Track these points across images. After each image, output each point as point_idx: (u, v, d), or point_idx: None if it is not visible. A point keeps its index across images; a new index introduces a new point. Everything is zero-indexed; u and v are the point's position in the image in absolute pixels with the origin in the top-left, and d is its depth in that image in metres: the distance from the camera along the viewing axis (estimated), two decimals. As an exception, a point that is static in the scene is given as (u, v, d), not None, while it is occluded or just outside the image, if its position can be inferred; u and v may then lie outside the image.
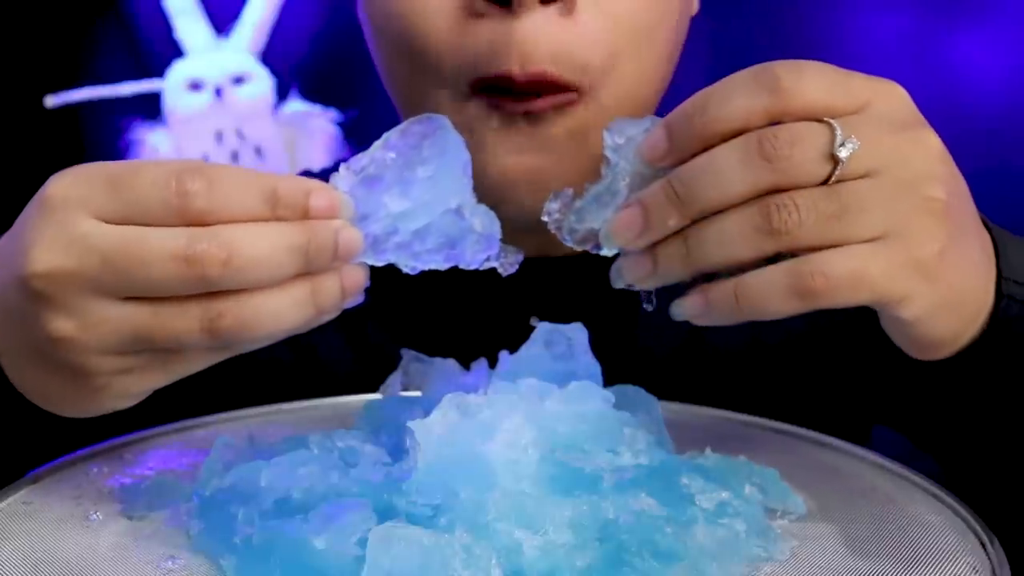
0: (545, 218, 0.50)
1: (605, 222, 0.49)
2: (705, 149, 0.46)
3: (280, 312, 0.47)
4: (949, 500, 0.54)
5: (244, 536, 0.48)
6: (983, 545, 0.50)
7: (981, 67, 1.57)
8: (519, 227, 0.57)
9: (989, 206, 0.57)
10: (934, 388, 0.59)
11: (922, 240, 0.46)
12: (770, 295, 0.46)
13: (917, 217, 0.46)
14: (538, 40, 0.63)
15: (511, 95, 0.64)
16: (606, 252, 0.50)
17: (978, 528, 0.51)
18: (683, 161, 0.47)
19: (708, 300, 0.48)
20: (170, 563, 0.48)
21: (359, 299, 0.49)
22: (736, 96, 0.46)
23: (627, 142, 0.49)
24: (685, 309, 0.49)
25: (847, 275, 0.45)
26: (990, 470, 0.65)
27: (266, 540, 0.46)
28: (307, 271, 0.47)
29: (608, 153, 0.49)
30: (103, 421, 0.55)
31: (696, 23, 0.77)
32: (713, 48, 1.36)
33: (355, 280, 0.48)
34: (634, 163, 0.48)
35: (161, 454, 0.61)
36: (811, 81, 0.46)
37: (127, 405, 0.51)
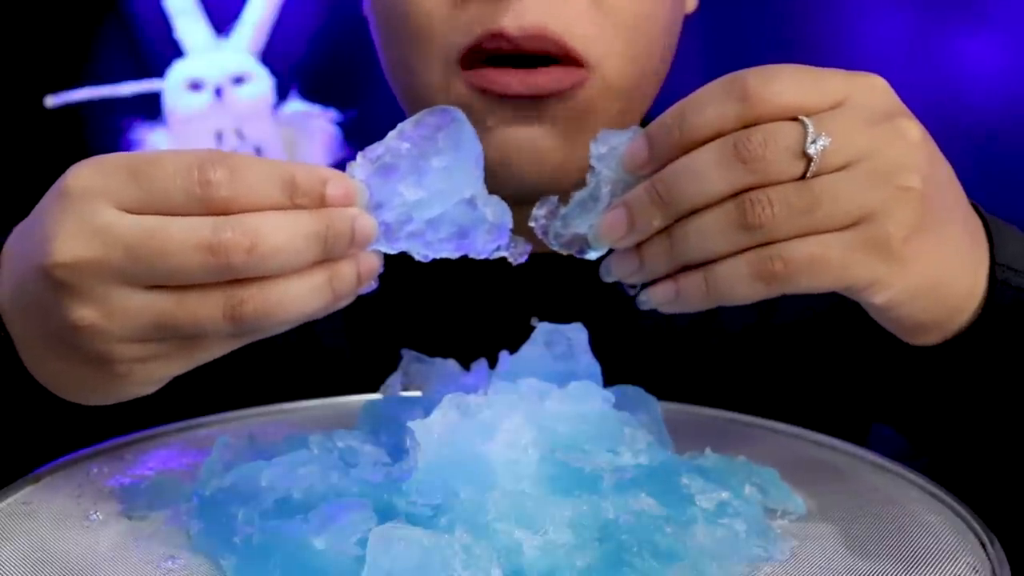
0: (532, 224, 0.52)
1: (591, 226, 0.51)
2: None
3: (300, 298, 0.47)
4: (948, 500, 0.54)
5: (244, 536, 0.48)
6: (983, 545, 0.50)
7: (981, 67, 1.57)
8: (519, 200, 0.58)
9: (988, 204, 0.57)
10: (932, 379, 0.60)
11: (888, 226, 0.47)
12: (736, 281, 0.48)
13: (888, 205, 0.47)
14: (531, 5, 0.65)
15: (509, 64, 0.65)
16: (592, 256, 0.52)
17: (978, 528, 0.51)
18: (662, 168, 0.49)
19: (678, 288, 0.49)
20: (170, 563, 0.48)
21: (373, 285, 0.50)
22: (709, 106, 0.48)
23: (610, 151, 0.51)
24: (655, 296, 0.51)
25: (805, 259, 0.47)
26: (988, 466, 0.65)
27: (266, 540, 0.46)
28: (324, 258, 0.48)
29: (592, 162, 0.51)
30: (112, 416, 0.55)
31: (695, 23, 0.77)
32: (713, 48, 1.36)
33: (370, 266, 0.49)
34: (616, 171, 0.51)
35: (161, 454, 0.61)
36: (780, 84, 0.47)
37: (148, 392, 0.51)
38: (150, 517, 0.53)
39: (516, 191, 0.64)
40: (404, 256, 0.52)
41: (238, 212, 0.46)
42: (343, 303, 0.49)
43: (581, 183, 0.51)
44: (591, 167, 0.51)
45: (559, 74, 0.66)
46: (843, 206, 0.47)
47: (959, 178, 0.52)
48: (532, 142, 0.68)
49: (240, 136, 1.59)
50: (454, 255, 0.51)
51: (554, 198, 0.52)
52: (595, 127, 0.67)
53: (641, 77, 0.70)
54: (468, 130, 0.50)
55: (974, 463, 0.67)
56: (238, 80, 1.59)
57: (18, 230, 0.52)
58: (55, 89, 1.58)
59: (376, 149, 0.50)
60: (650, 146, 0.49)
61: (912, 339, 0.55)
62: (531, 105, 0.67)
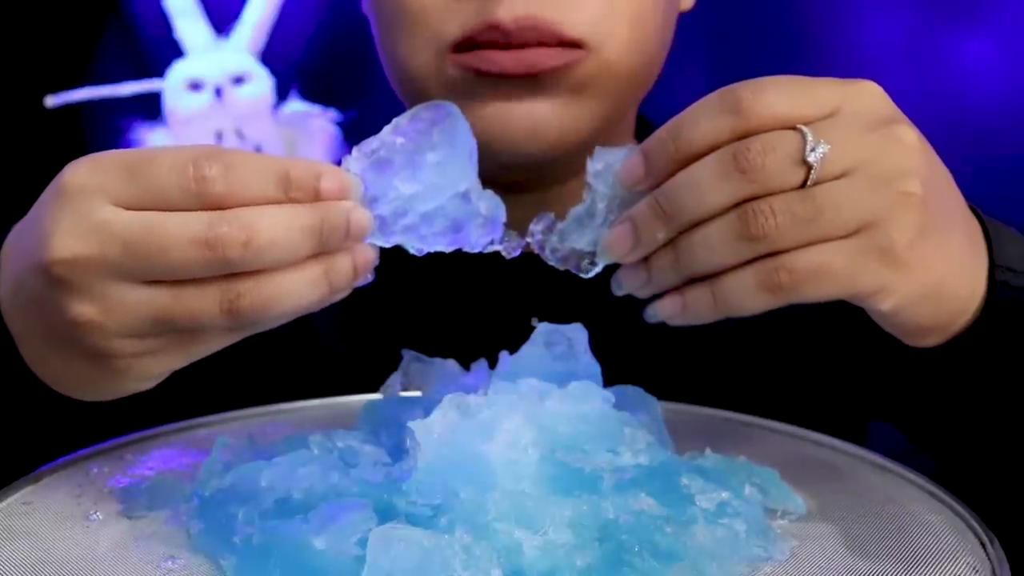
0: (529, 239, 0.53)
1: (589, 241, 0.52)
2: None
3: (296, 291, 0.48)
4: (948, 500, 0.54)
5: (244, 536, 0.48)
6: (983, 545, 0.50)
7: (981, 67, 1.57)
8: (514, 172, 0.58)
9: (987, 205, 0.57)
10: (932, 378, 0.60)
11: (892, 232, 0.47)
12: (743, 293, 0.48)
13: (890, 211, 0.47)
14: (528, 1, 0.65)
15: (502, 46, 0.66)
16: (589, 275, 0.53)
17: (978, 528, 0.51)
18: (659, 185, 0.49)
19: (685, 301, 0.50)
20: (170, 563, 0.48)
21: (369, 278, 0.50)
22: (703, 119, 0.48)
23: (606, 168, 0.51)
24: (662, 310, 0.51)
25: (811, 269, 0.47)
26: (989, 466, 0.65)
27: (266, 540, 0.46)
28: (320, 251, 0.48)
29: (589, 178, 0.52)
30: (112, 414, 0.55)
31: (695, 22, 0.77)
32: (713, 48, 1.36)
33: (366, 259, 0.50)
34: (613, 187, 0.51)
35: (161, 454, 0.61)
36: (773, 95, 0.47)
37: (146, 387, 0.52)
38: (150, 517, 0.53)
39: (512, 163, 0.65)
40: (404, 256, 0.52)
41: (234, 207, 0.46)
42: (339, 296, 0.49)
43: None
44: (587, 183, 0.52)
45: (555, 53, 0.66)
46: (845, 213, 0.47)
47: (958, 178, 0.52)
48: (529, 114, 0.68)
49: (240, 136, 1.59)
50: (448, 249, 0.52)
51: (551, 214, 0.53)
52: (594, 101, 0.68)
53: (641, 62, 0.70)
54: (463, 125, 0.51)
55: (974, 461, 0.67)
56: (238, 80, 1.59)
57: (17, 228, 0.52)
58: (55, 89, 1.58)
59: (371, 143, 0.50)
60: (646, 162, 0.49)
61: (914, 341, 0.55)
62: (527, 82, 0.67)
